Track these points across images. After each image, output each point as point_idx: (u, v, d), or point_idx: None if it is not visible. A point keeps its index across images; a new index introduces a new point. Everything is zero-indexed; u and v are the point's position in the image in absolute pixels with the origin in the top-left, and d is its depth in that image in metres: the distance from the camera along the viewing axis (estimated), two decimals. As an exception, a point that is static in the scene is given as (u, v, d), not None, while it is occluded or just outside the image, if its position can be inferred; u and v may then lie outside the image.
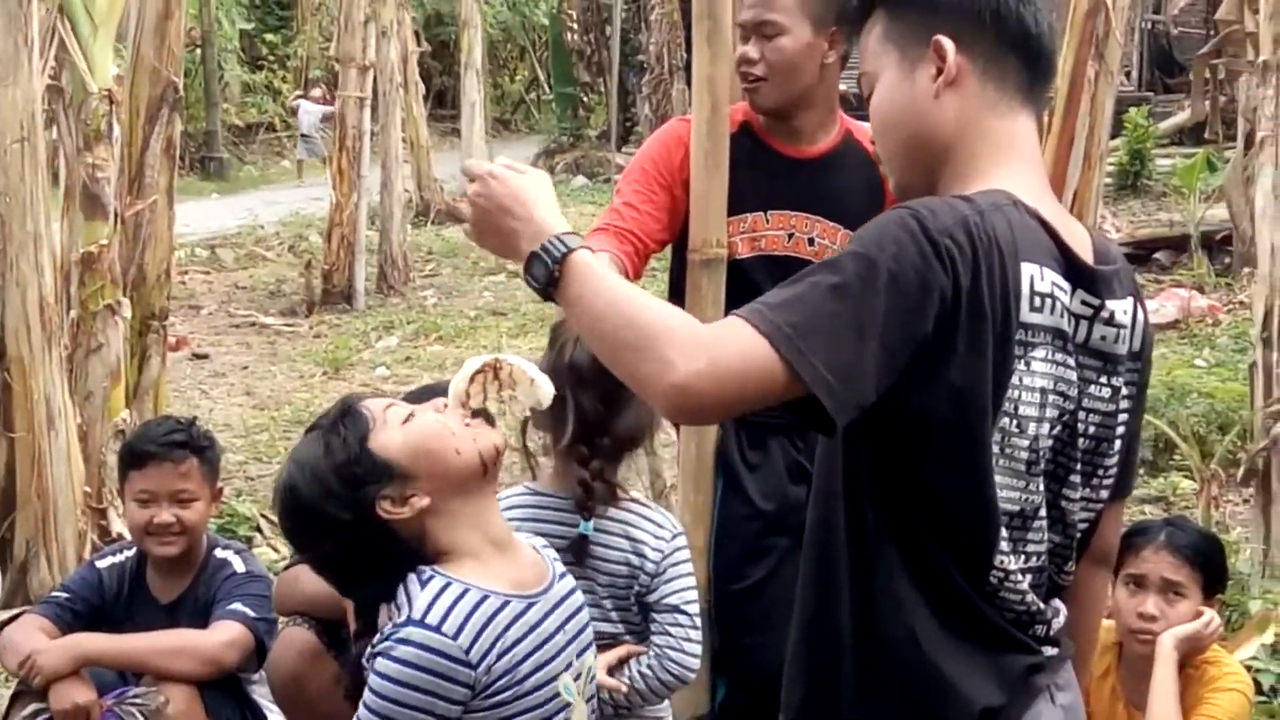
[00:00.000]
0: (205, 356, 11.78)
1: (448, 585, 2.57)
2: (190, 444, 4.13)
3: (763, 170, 3.82)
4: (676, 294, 3.83)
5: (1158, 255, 13.67)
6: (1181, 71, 24.31)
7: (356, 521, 2.58)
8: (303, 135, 25.55)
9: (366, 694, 2.53)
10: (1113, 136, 8.21)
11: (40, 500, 5.71)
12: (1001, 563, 2.15)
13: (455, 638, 2.52)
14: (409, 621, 2.53)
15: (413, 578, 2.59)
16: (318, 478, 2.60)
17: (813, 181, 3.82)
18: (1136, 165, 17.55)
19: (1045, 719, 2.24)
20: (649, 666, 3.33)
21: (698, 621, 3.38)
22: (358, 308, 13.81)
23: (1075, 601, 2.39)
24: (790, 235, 3.79)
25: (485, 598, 2.58)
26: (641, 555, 3.30)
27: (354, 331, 12.75)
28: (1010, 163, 2.22)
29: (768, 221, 3.83)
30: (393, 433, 2.64)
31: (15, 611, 4.29)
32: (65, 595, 4.17)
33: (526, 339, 11.63)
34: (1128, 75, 22.13)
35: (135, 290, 6.64)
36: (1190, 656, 3.70)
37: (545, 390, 3.17)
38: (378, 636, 2.56)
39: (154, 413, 6.54)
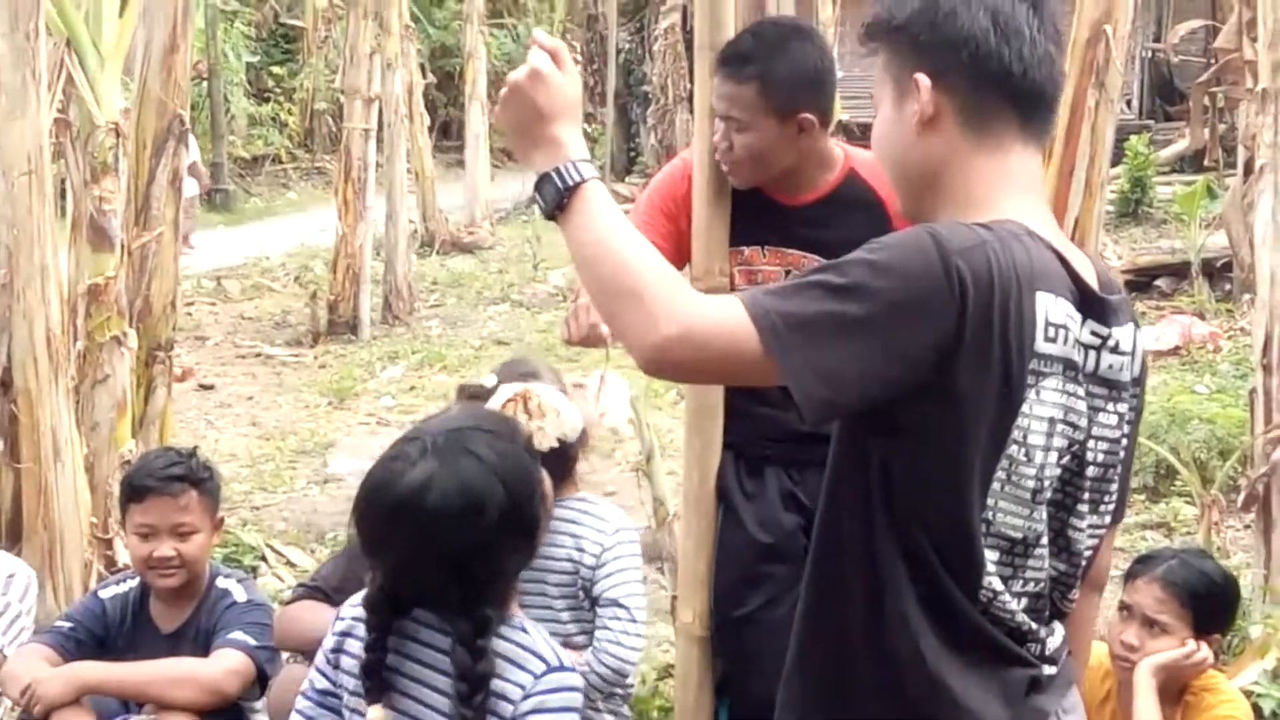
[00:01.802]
0: (211, 387, 11.80)
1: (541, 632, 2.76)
2: (189, 477, 4.14)
3: (758, 214, 3.83)
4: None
5: (1159, 282, 13.68)
6: (1182, 99, 24.30)
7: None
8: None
9: None
10: (1113, 164, 8.21)
11: (46, 531, 5.72)
12: (989, 584, 2.15)
13: None
14: (557, 669, 2.68)
15: (511, 630, 2.70)
16: (519, 479, 2.68)
17: (809, 228, 3.82)
18: (1137, 193, 17.57)
19: None
20: (586, 661, 3.35)
21: (639, 616, 3.40)
22: (363, 338, 13.83)
23: (1069, 624, 2.40)
24: (787, 271, 3.80)
25: None
26: (581, 549, 3.35)
27: (359, 361, 12.77)
28: (1010, 196, 2.22)
29: (764, 256, 3.85)
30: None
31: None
32: (69, 624, 4.18)
33: (531, 369, 11.61)
34: (1128, 104, 22.16)
35: (141, 321, 6.66)
36: (1170, 685, 3.71)
37: (572, 422, 3.24)
38: (512, 689, 2.65)
39: (160, 443, 6.56)
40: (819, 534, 2.28)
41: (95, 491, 5.95)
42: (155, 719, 3.88)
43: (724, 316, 2.06)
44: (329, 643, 2.84)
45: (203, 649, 4.08)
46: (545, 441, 3.28)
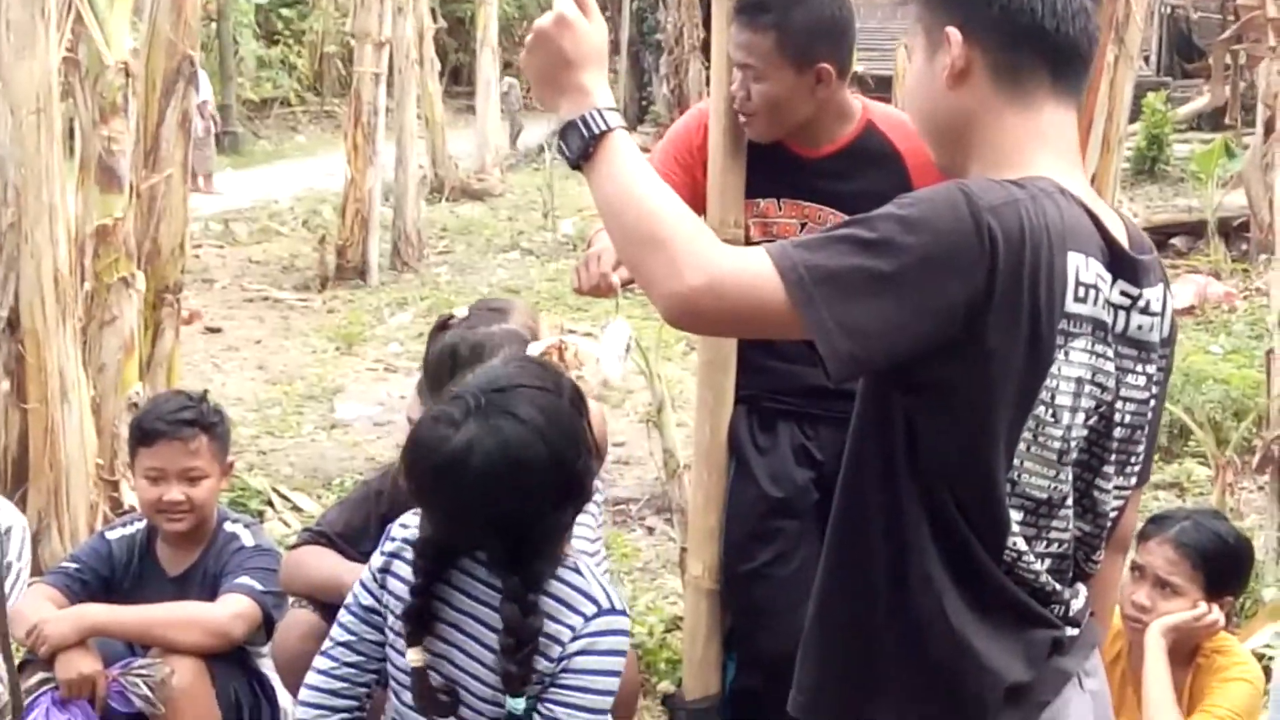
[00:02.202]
0: (218, 330, 11.78)
1: (594, 571, 2.79)
2: (199, 421, 4.12)
3: (775, 166, 3.79)
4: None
5: (1174, 241, 13.64)
6: (1200, 56, 24.22)
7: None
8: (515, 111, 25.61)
9: (591, 695, 2.70)
10: (1130, 121, 8.15)
11: (52, 471, 5.71)
12: (1014, 544, 2.14)
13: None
14: (609, 611, 2.72)
15: (564, 571, 2.74)
16: (562, 436, 2.68)
17: (825, 178, 3.78)
18: (1154, 150, 17.52)
19: (1074, 705, 2.24)
20: None
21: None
22: (371, 283, 13.81)
23: (1092, 585, 2.38)
24: (803, 225, 3.76)
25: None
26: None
27: (367, 307, 12.75)
28: (1042, 153, 2.19)
29: (780, 209, 3.81)
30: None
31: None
32: (74, 565, 4.17)
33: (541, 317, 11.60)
34: (1146, 60, 22.08)
35: (149, 264, 6.65)
36: (1180, 646, 3.69)
37: (611, 370, 3.22)
38: (563, 631, 2.69)
39: (167, 386, 6.55)
40: (841, 492, 2.25)
41: (102, 433, 5.93)
42: (161, 662, 3.86)
43: (750, 268, 2.03)
44: (376, 561, 2.87)
45: (209, 592, 4.06)
46: (589, 390, 3.27)
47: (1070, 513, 2.21)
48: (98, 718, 3.84)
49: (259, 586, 3.99)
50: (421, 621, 2.74)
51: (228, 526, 4.21)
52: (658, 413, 5.64)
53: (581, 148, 2.19)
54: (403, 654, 2.77)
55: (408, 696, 2.79)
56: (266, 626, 4.02)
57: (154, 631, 3.93)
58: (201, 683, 3.89)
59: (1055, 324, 2.07)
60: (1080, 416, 2.15)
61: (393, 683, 2.86)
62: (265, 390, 9.76)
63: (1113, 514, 2.31)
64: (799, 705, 2.34)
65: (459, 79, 31.36)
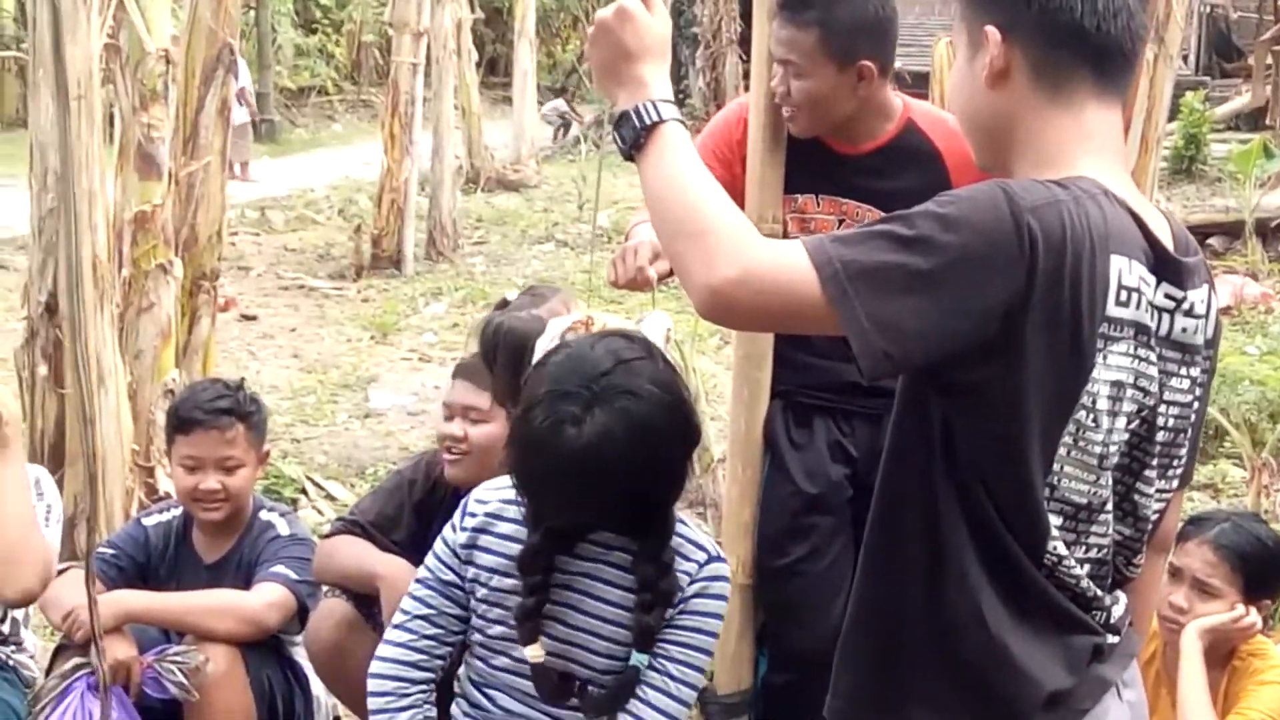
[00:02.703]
0: (254, 318, 11.81)
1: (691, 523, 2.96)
2: (236, 410, 4.13)
3: (814, 163, 3.78)
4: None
5: (1211, 241, 13.55)
6: (1239, 56, 24.09)
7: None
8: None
9: (703, 635, 2.92)
10: (1168, 120, 8.09)
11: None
12: (1054, 548, 2.11)
13: None
14: (716, 558, 2.95)
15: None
16: (673, 394, 2.80)
17: (864, 175, 3.77)
18: (1191, 150, 17.40)
19: (1113, 715, 2.21)
20: None
21: None
22: (406, 273, 13.83)
23: (1132, 587, 2.36)
24: (841, 221, 3.75)
25: None
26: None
27: (402, 297, 12.77)
28: (1085, 153, 2.16)
29: (818, 205, 3.80)
30: None
31: (61, 566, 4.30)
32: (111, 551, 4.18)
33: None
34: (1185, 59, 21.95)
35: (187, 250, 6.67)
36: (1217, 649, 3.67)
37: None
38: (681, 578, 2.87)
39: (203, 373, 6.58)
40: (880, 492, 2.23)
41: (138, 419, 5.96)
42: (195, 649, 3.87)
43: (786, 261, 2.01)
44: (458, 537, 2.93)
45: (244, 580, 4.07)
46: None
47: (1110, 517, 2.18)
48: (132, 704, 3.85)
49: (294, 575, 4.00)
50: (537, 615, 2.82)
51: (263, 515, 4.22)
52: (692, 406, 5.63)
53: (633, 138, 2.20)
54: (494, 624, 2.89)
55: (501, 662, 2.91)
56: (301, 615, 4.03)
57: (189, 619, 3.95)
58: (235, 670, 3.90)
59: (1096, 328, 2.04)
60: (1121, 421, 2.12)
61: (479, 652, 2.95)
62: (300, 378, 9.78)
63: (1154, 517, 2.29)
64: (834, 710, 2.32)
65: (496, 70, 31.40)
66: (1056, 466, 2.08)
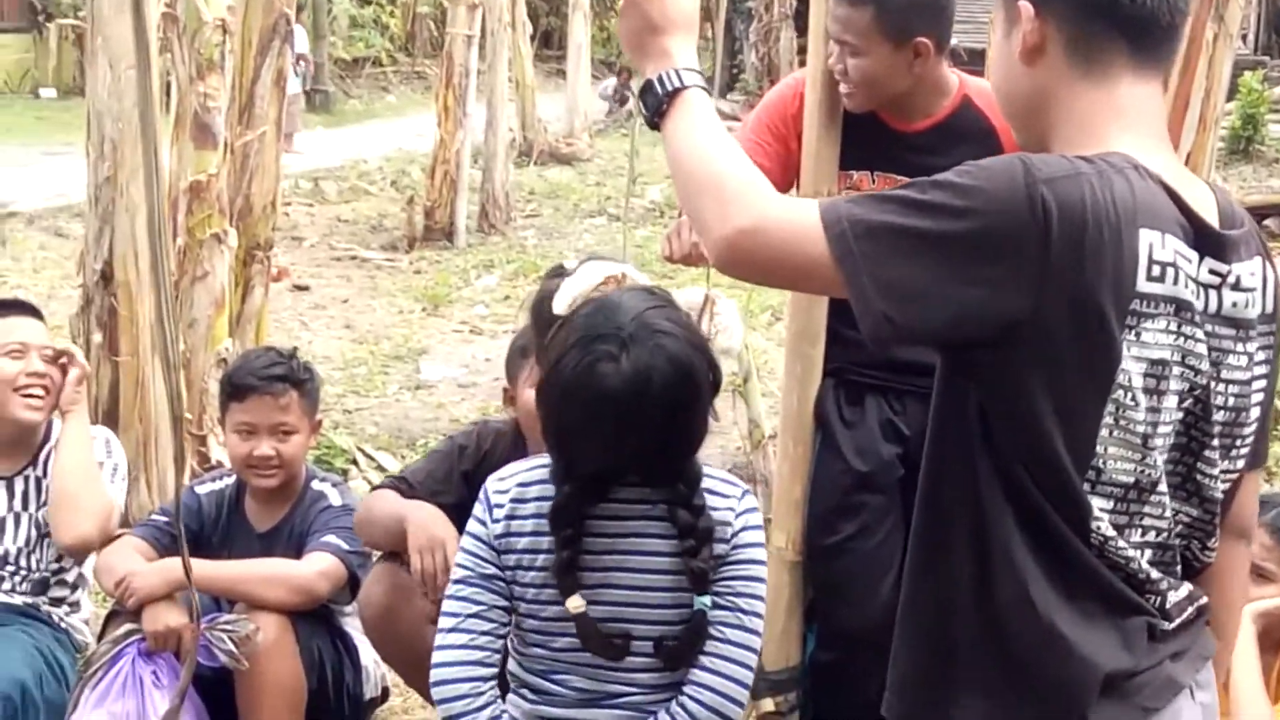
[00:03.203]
0: (306, 288, 11.85)
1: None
2: (290, 377, 4.15)
3: (871, 139, 3.76)
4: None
5: (1268, 222, 13.42)
6: (1301, 35, 23.80)
7: None
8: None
9: (758, 565, 2.99)
10: (1226, 100, 7.97)
11: (142, 424, 5.78)
12: (1098, 528, 2.07)
13: None
14: (746, 491, 3.02)
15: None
16: (700, 337, 2.93)
17: (919, 153, 3.75)
18: (1249, 130, 17.25)
19: (1185, 716, 2.16)
20: None
21: None
22: (458, 245, 13.84)
23: (1212, 577, 2.31)
24: None
25: None
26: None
27: (454, 269, 12.79)
28: (1120, 129, 2.12)
29: (873, 182, 3.78)
30: None
31: (114, 533, 4.33)
32: (164, 519, 4.21)
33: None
34: (1244, 39, 21.74)
35: (241, 220, 6.70)
36: (1271, 632, 3.64)
37: None
38: (726, 514, 2.92)
39: (256, 342, 6.61)
40: (925, 474, 2.21)
41: (191, 388, 5.99)
42: (246, 618, 3.89)
43: (797, 217, 2.03)
44: (494, 529, 2.90)
45: (295, 550, 4.09)
46: None
47: (1165, 498, 2.13)
48: (182, 671, 3.88)
49: (345, 546, 4.02)
50: (573, 568, 2.82)
51: (315, 485, 4.23)
52: (743, 382, 5.62)
53: (656, 105, 2.23)
54: (548, 605, 2.86)
55: (564, 642, 2.89)
56: (351, 586, 4.05)
57: (241, 587, 3.97)
58: (286, 639, 3.93)
59: (1126, 304, 2.00)
60: (1171, 400, 2.08)
61: (536, 639, 2.92)
62: (351, 349, 9.81)
63: (1221, 499, 2.23)
64: (890, 705, 2.29)
65: (550, 43, 31.38)
66: (1100, 448, 2.04)
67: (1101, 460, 2.05)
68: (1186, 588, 2.22)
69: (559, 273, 3.60)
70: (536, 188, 17.37)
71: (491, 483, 2.95)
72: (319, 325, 10.63)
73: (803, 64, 3.80)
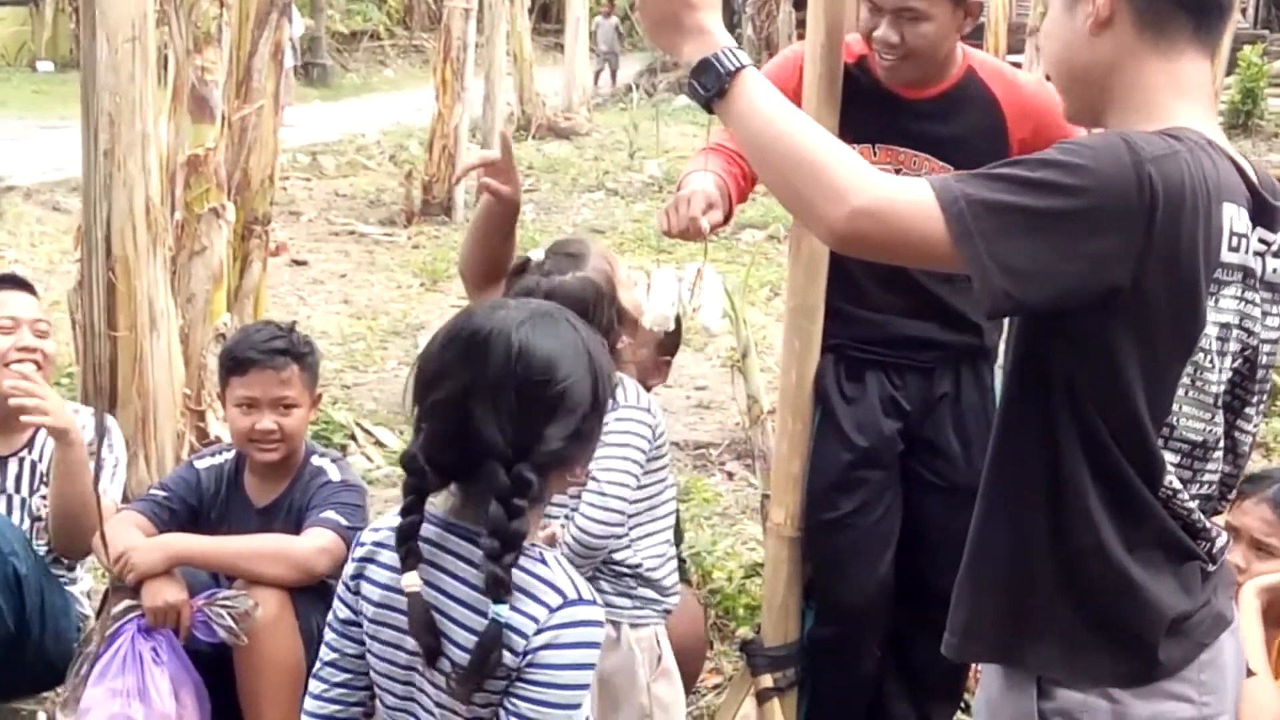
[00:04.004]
0: (304, 263, 11.85)
1: (561, 562, 2.66)
2: (291, 350, 4.14)
3: (875, 107, 3.75)
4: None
5: (1268, 197, 13.44)
6: (1301, 10, 23.75)
7: None
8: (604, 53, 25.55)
9: (554, 690, 2.46)
10: (1226, 74, 7.94)
11: (140, 399, 5.76)
12: (1169, 482, 2.18)
13: None
14: (575, 602, 2.49)
15: (529, 561, 2.53)
16: (601, 363, 2.54)
17: (926, 122, 3.75)
18: (1248, 105, 17.25)
19: (1228, 649, 2.31)
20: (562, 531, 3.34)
21: (610, 490, 3.36)
22: (456, 220, 13.82)
23: None
24: (898, 170, 3.72)
25: None
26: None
27: (452, 243, 12.76)
28: (1182, 103, 2.21)
29: (875, 155, 3.76)
30: None
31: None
32: (163, 494, 4.20)
33: (624, 258, 11.61)
34: (1244, 12, 21.71)
35: (239, 194, 6.68)
36: (1274, 608, 3.65)
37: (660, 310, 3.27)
38: (527, 623, 2.49)
39: (254, 317, 6.59)
40: (999, 435, 2.29)
41: (189, 363, 5.97)
42: (245, 594, 3.89)
43: (912, 196, 2.07)
44: (349, 569, 2.67)
45: (294, 525, 4.08)
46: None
47: (1221, 454, 2.25)
48: (181, 646, 3.88)
49: (344, 521, 4.00)
50: (413, 544, 2.51)
51: (315, 460, 4.22)
52: (742, 358, 5.61)
53: (717, 85, 2.22)
54: (386, 645, 2.59)
55: (399, 657, 2.59)
56: (350, 562, 4.05)
57: (240, 563, 3.96)
58: (285, 615, 3.92)
59: (1211, 273, 2.11)
60: (1228, 361, 2.20)
61: (384, 684, 2.66)
62: (350, 324, 9.81)
63: (1248, 454, 2.35)
64: (952, 647, 2.40)
65: (548, 16, 31.30)
66: (1176, 407, 2.16)
67: (1175, 419, 2.17)
68: (1225, 533, 2.35)
69: (523, 268, 3.55)
70: (535, 162, 17.35)
71: (373, 526, 2.71)
72: (317, 300, 10.63)
73: (801, 38, 3.77)
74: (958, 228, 2.03)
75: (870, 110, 3.73)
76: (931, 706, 4.12)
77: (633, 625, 3.47)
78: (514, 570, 2.43)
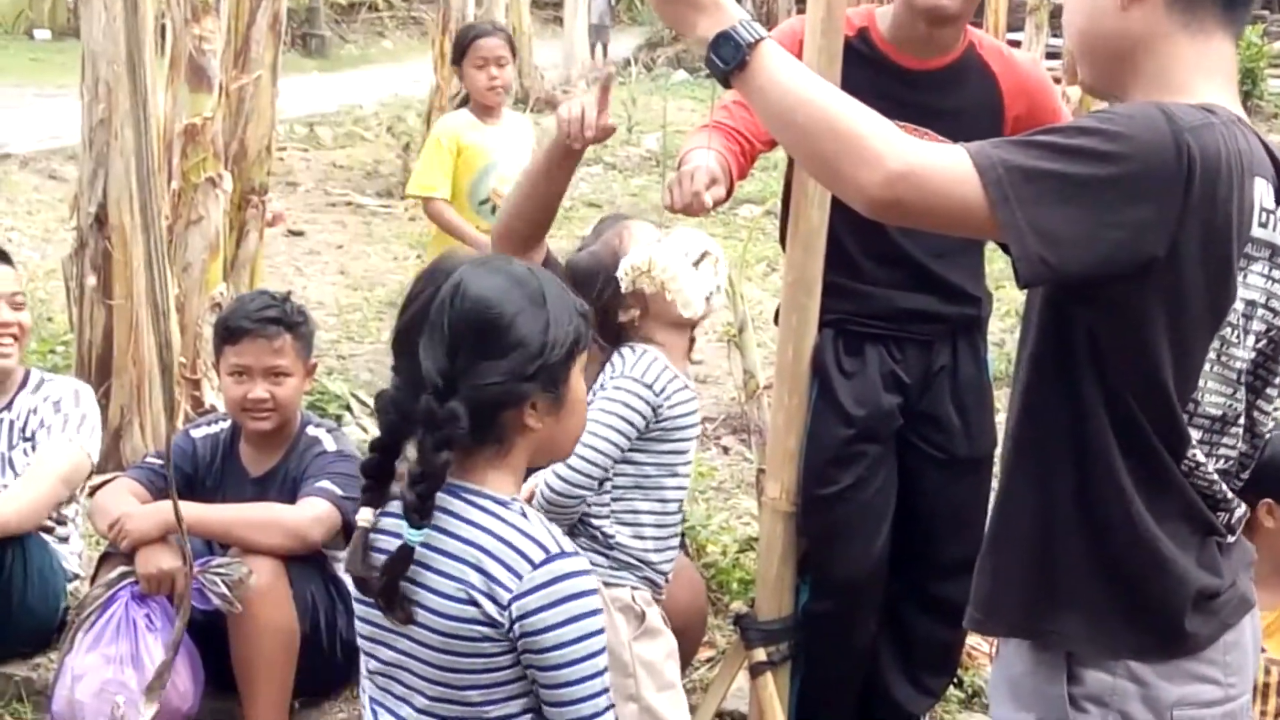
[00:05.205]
0: (301, 234, 11.82)
1: (542, 519, 2.62)
2: (284, 320, 4.14)
3: (875, 79, 3.73)
4: (787, 195, 3.78)
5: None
6: (1302, -10, 23.72)
7: None
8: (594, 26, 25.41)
9: (563, 649, 2.40)
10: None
11: (135, 368, 5.77)
12: (1193, 455, 2.18)
13: None
14: (558, 555, 2.43)
15: (510, 513, 2.49)
16: (562, 310, 2.53)
17: (927, 95, 3.75)
18: (1248, 85, 17.25)
19: (1248, 629, 2.32)
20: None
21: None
22: (453, 193, 13.79)
23: None
24: None
25: None
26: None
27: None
28: (1208, 81, 2.21)
29: None
30: None
31: (108, 476, 4.34)
32: (159, 462, 4.21)
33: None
34: (1246, -8, 21.67)
35: (236, 164, 6.67)
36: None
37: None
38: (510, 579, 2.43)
39: (250, 287, 6.59)
40: (1020, 410, 2.28)
41: (185, 332, 5.98)
42: (239, 561, 3.90)
43: (949, 162, 2.07)
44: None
45: (289, 495, 4.10)
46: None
47: (1241, 431, 2.26)
48: (177, 619, 3.88)
49: (339, 491, 4.01)
50: (379, 483, 2.48)
51: (310, 430, 4.23)
52: (739, 333, 5.60)
53: (736, 57, 2.21)
54: (364, 605, 2.52)
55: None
56: (345, 531, 4.05)
57: (235, 531, 3.97)
58: (279, 584, 3.94)
59: (1242, 248, 2.12)
60: (1250, 339, 2.20)
61: (361, 648, 2.60)
62: (346, 295, 9.79)
63: (1267, 435, 2.35)
64: (975, 621, 2.38)
65: (547, -11, 31.21)
66: (1201, 381, 2.16)
67: (1200, 393, 2.17)
68: (1242, 505, 2.34)
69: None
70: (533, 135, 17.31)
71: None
72: (313, 271, 10.61)
73: (802, 11, 3.76)
74: (995, 193, 2.02)
75: (870, 84, 3.71)
76: (925, 679, 4.13)
77: (606, 584, 3.45)
78: (497, 524, 2.41)
